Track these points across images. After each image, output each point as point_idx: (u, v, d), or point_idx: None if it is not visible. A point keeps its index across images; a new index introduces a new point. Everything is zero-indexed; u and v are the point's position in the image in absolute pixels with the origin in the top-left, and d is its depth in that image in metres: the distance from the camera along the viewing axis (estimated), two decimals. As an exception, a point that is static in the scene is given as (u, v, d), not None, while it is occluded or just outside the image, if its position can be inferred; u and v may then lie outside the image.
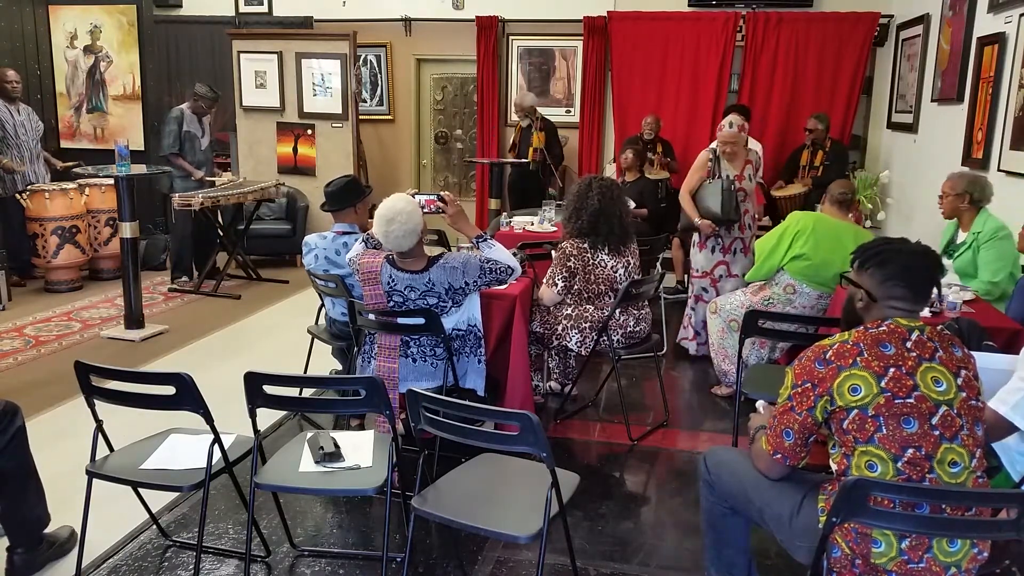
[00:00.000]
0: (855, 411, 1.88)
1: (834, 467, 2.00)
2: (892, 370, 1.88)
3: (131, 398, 2.46)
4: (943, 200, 3.86)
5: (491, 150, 7.88)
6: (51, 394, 4.09)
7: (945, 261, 3.90)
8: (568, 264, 3.71)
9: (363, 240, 3.31)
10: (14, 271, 6.28)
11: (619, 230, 3.75)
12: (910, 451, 1.85)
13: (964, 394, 1.91)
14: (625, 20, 7.34)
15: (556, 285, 3.73)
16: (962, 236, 3.84)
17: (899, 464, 1.85)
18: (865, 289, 2.03)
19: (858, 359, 1.91)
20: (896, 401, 1.86)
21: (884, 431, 1.86)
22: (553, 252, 4.00)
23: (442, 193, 3.30)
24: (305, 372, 4.11)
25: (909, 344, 1.92)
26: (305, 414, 3.93)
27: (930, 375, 1.89)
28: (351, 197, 3.76)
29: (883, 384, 1.87)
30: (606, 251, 3.74)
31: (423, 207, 3.16)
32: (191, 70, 8.03)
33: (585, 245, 3.73)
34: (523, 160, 6.83)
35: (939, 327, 2.02)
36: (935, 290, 2.06)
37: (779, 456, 2.02)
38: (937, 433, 1.86)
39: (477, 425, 2.31)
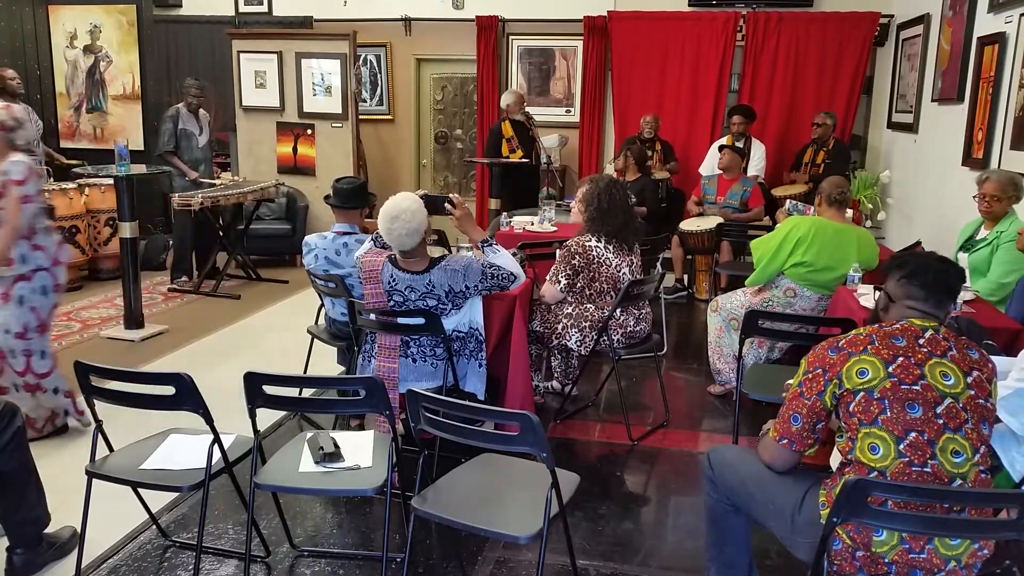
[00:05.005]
0: (861, 393, 1.92)
1: (839, 457, 2.02)
2: (901, 359, 1.92)
3: (131, 398, 2.46)
4: (992, 202, 3.69)
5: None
6: (51, 394, 4.09)
7: (960, 255, 3.87)
8: (572, 262, 3.71)
9: (372, 239, 3.31)
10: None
11: (632, 228, 3.78)
12: (912, 434, 1.88)
13: (972, 392, 1.92)
14: (625, 20, 7.33)
15: (560, 282, 3.73)
16: (983, 233, 3.80)
17: (901, 447, 1.87)
18: (886, 291, 2.10)
19: (868, 347, 1.96)
20: (902, 387, 1.90)
21: (888, 413, 1.89)
22: (558, 251, 4.00)
23: (450, 196, 3.30)
24: (305, 372, 4.11)
25: (921, 341, 1.96)
26: (305, 414, 3.93)
27: (939, 369, 1.92)
28: (358, 201, 3.77)
29: (891, 370, 1.91)
30: (613, 249, 3.74)
31: None
32: (191, 70, 8.01)
33: (591, 243, 3.73)
34: (524, 160, 6.81)
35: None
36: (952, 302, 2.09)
37: (785, 441, 2.05)
38: (941, 422, 1.88)
39: (477, 425, 2.30)
